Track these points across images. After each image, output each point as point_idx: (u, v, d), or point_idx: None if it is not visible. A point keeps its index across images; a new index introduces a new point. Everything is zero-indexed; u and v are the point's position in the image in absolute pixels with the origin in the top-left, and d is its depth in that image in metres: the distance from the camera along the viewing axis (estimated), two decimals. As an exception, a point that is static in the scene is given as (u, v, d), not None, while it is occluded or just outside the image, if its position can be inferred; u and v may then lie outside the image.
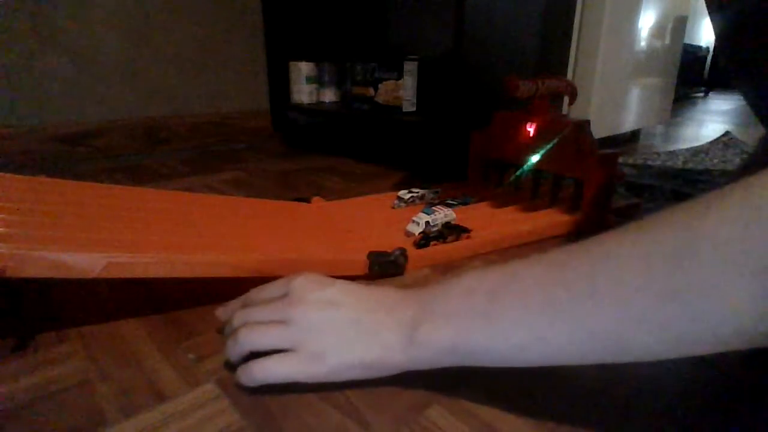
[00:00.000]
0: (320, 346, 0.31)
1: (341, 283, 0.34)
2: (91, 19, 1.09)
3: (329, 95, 1.37)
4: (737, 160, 1.14)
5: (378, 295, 0.33)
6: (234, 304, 0.38)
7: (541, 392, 0.33)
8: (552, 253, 0.27)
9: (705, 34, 3.58)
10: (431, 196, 0.76)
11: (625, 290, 0.22)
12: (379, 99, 1.16)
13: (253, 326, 0.33)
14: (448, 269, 0.54)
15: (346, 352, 0.31)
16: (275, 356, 0.32)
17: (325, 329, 0.32)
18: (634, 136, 1.52)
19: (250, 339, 0.33)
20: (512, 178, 0.80)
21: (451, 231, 0.58)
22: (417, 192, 0.74)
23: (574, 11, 1.11)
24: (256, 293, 0.37)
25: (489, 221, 0.66)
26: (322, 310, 0.32)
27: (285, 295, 0.34)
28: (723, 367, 0.37)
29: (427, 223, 0.59)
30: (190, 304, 0.45)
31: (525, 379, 0.35)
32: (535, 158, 0.72)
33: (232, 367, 0.34)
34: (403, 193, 0.73)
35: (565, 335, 0.25)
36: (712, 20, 0.41)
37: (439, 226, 0.59)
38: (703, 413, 0.32)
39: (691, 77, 3.56)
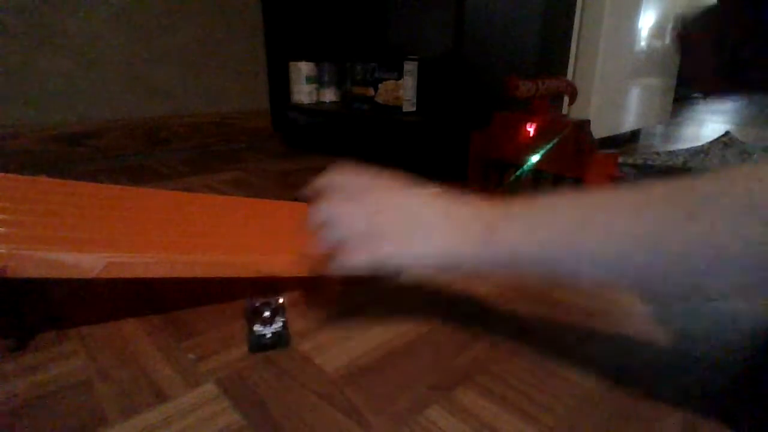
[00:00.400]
0: (408, 234, 0.32)
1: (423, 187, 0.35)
2: (92, 19, 1.09)
3: (329, 95, 1.37)
4: (737, 160, 1.14)
5: (463, 198, 0.35)
6: (314, 188, 0.37)
7: (541, 392, 0.33)
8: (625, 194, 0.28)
9: (705, 34, 3.57)
10: None
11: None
12: (379, 99, 1.16)
13: (341, 218, 0.34)
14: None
15: (431, 239, 0.32)
16: (365, 244, 0.33)
17: (414, 220, 0.33)
18: (634, 136, 1.52)
19: (339, 230, 0.34)
20: (512, 178, 0.80)
21: None
22: None
23: (574, 11, 1.11)
24: (338, 180, 0.37)
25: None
26: (413, 204, 0.34)
27: (370, 188, 0.35)
28: (724, 367, 0.37)
29: None
30: (190, 304, 0.45)
31: (525, 379, 0.35)
32: (535, 158, 0.72)
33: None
34: None
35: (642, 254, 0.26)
36: None
37: None
38: (702, 413, 0.32)
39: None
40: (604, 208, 0.28)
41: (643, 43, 1.28)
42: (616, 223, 0.27)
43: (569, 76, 1.15)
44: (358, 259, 0.33)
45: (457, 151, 0.90)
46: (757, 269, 0.23)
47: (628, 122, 1.35)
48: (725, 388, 0.34)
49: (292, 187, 0.92)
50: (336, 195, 0.36)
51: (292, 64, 1.33)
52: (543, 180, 0.77)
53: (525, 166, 0.75)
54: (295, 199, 0.73)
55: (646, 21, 1.26)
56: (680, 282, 0.26)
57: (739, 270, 0.24)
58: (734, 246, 0.23)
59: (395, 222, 0.33)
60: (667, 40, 1.42)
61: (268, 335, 0.38)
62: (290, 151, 1.31)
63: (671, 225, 0.25)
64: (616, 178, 0.66)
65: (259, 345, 0.38)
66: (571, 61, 1.14)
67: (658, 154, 1.16)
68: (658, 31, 1.35)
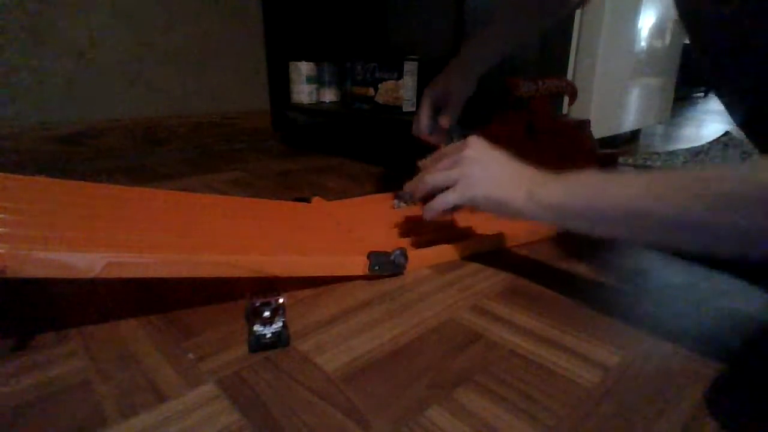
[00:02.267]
0: (478, 182, 0.47)
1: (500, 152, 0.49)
2: (92, 19, 1.09)
3: (329, 95, 1.37)
4: (737, 160, 1.14)
5: (522, 164, 0.48)
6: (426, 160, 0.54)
7: (541, 392, 0.33)
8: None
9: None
10: None
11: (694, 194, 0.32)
12: (379, 99, 1.16)
13: (433, 171, 0.50)
14: (448, 269, 0.54)
15: (493, 189, 0.46)
16: (448, 190, 0.48)
17: (484, 174, 0.47)
18: (634, 136, 1.52)
19: (431, 179, 0.50)
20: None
21: None
22: None
23: (574, 13, 1.11)
24: (443, 151, 0.52)
25: (489, 221, 0.66)
26: (486, 161, 0.48)
27: (460, 151, 0.49)
28: (724, 367, 0.37)
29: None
30: (190, 304, 0.45)
31: (525, 379, 0.35)
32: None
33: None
34: (403, 193, 0.73)
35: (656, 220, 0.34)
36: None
37: None
38: (703, 413, 0.32)
39: (691, 77, 3.55)
40: (620, 178, 0.39)
41: (643, 43, 1.28)
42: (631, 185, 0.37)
43: (569, 76, 1.15)
44: (454, 196, 0.48)
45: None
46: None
47: (628, 122, 1.35)
48: (726, 388, 0.34)
49: (292, 187, 0.92)
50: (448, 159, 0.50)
51: (292, 64, 1.33)
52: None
53: None
54: (295, 199, 0.73)
55: (646, 21, 1.26)
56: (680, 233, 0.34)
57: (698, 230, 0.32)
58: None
59: (481, 176, 0.47)
60: (667, 40, 1.42)
61: (268, 335, 0.38)
62: (290, 151, 1.31)
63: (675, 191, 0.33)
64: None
65: (259, 345, 0.38)
66: (571, 61, 1.15)
67: (658, 154, 1.16)
68: (658, 31, 1.35)
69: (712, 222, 0.31)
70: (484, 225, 0.64)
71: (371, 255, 0.50)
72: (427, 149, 0.57)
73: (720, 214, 0.30)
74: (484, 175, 0.47)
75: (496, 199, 0.45)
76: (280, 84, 1.38)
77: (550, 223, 0.45)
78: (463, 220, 0.67)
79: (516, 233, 0.62)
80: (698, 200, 0.32)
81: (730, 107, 0.48)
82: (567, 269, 0.55)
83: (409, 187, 0.53)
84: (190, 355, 0.37)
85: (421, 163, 0.55)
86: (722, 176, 0.32)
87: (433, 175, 0.50)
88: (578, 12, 1.11)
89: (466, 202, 0.47)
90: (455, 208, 0.49)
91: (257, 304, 0.39)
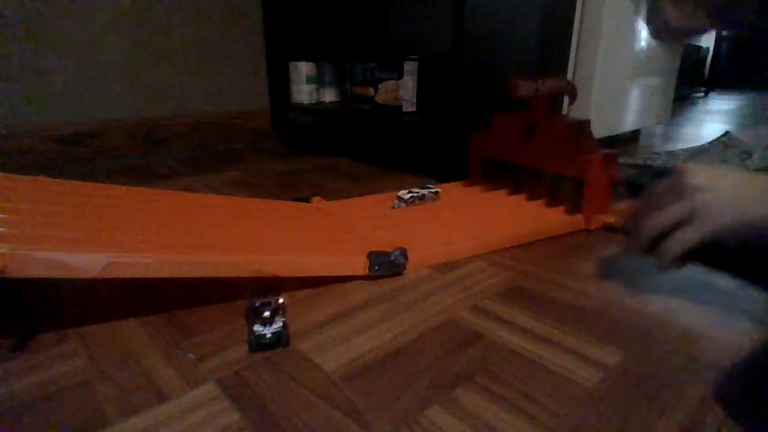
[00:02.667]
0: (718, 209, 0.39)
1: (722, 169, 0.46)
2: (91, 19, 1.09)
3: (329, 95, 1.37)
4: (737, 160, 1.14)
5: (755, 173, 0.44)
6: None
7: (541, 392, 0.33)
8: None
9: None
10: (431, 195, 0.76)
11: None
12: (379, 99, 1.16)
13: (654, 214, 0.42)
14: (448, 269, 0.54)
15: (741, 211, 0.39)
16: (681, 230, 0.40)
17: (720, 198, 0.40)
18: (634, 136, 1.52)
19: (653, 222, 0.42)
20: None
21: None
22: (417, 192, 0.74)
23: (574, 11, 1.11)
24: (654, 191, 0.45)
25: (489, 222, 0.66)
26: (715, 184, 0.40)
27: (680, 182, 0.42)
28: (725, 367, 0.37)
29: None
30: (190, 304, 0.45)
31: (525, 379, 0.35)
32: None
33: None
34: (403, 193, 0.73)
35: None
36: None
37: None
38: (703, 413, 0.32)
39: (691, 77, 3.55)
40: None
41: (643, 43, 1.28)
42: None
43: (569, 76, 1.15)
44: (692, 233, 0.40)
45: (457, 151, 0.90)
46: None
47: (628, 122, 1.35)
48: (726, 389, 0.34)
49: (292, 187, 0.92)
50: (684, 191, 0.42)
51: (292, 64, 1.33)
52: (543, 180, 0.77)
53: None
54: (295, 199, 0.73)
55: (646, 21, 1.26)
56: None
57: None
58: None
59: (718, 202, 0.40)
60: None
61: (268, 335, 0.38)
62: (290, 151, 1.31)
63: None
64: (616, 178, 0.66)
65: (259, 345, 0.38)
66: (571, 61, 1.14)
67: (658, 154, 1.16)
68: (658, 31, 1.34)
69: None
70: (484, 225, 0.64)
71: (371, 255, 0.50)
72: None
73: None
74: (720, 200, 0.40)
75: (749, 221, 0.39)
76: (280, 84, 1.38)
77: None
78: (463, 220, 0.67)
79: (516, 233, 0.62)
80: None
81: None
82: (567, 269, 0.55)
83: (629, 242, 0.46)
84: (190, 355, 0.37)
85: (634, 212, 0.47)
86: None
87: (655, 217, 0.42)
88: (578, 12, 1.11)
89: (709, 236, 0.40)
90: (692, 252, 0.41)
91: (257, 304, 0.39)
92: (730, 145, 1.31)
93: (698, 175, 0.41)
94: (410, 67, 1.08)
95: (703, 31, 0.45)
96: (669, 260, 0.41)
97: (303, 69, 1.31)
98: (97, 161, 1.13)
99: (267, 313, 0.38)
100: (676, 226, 0.41)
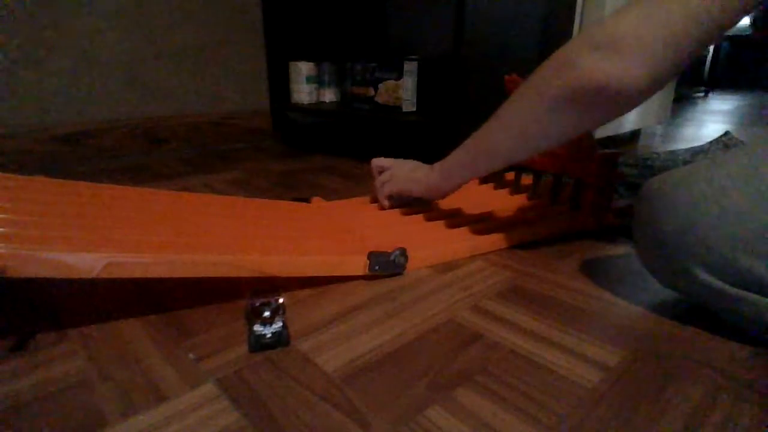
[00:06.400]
0: (399, 178, 0.69)
1: (411, 163, 0.70)
2: (92, 19, 1.09)
3: (329, 95, 1.37)
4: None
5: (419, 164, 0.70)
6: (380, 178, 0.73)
7: (541, 392, 0.33)
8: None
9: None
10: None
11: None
12: (379, 99, 1.16)
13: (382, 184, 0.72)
14: (448, 269, 0.54)
15: (410, 179, 0.68)
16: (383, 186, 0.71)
17: (401, 173, 0.69)
18: (634, 136, 1.52)
19: (383, 189, 0.71)
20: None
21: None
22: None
23: (574, 11, 1.11)
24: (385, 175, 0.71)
25: (489, 222, 0.66)
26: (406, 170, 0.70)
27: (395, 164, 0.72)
28: (723, 366, 0.37)
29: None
30: (190, 304, 0.45)
31: (525, 379, 0.35)
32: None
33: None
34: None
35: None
36: None
37: None
38: (703, 413, 0.32)
39: (691, 77, 3.55)
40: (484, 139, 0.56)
41: (643, 43, 1.28)
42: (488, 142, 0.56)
43: (569, 76, 1.15)
44: (389, 191, 0.70)
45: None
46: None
47: (628, 122, 1.35)
48: (726, 389, 0.34)
49: (292, 187, 0.92)
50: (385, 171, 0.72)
51: (292, 64, 1.33)
52: (543, 180, 0.77)
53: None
54: (295, 199, 0.73)
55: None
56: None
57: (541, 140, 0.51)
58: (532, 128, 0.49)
59: (400, 178, 0.69)
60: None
61: (268, 335, 0.38)
62: (290, 151, 1.31)
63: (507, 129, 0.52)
64: (616, 177, 0.66)
65: (259, 345, 0.38)
66: (571, 61, 1.14)
67: (658, 154, 1.16)
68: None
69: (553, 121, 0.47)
70: (484, 225, 0.64)
71: (371, 255, 0.50)
72: None
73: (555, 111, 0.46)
74: (397, 176, 0.69)
75: (406, 190, 0.68)
76: (280, 84, 1.38)
77: (445, 188, 0.64)
78: (462, 220, 0.67)
79: (516, 233, 0.62)
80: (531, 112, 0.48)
81: None
82: (567, 269, 0.55)
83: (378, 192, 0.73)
84: (190, 355, 0.37)
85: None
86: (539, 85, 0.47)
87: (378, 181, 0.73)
88: (578, 11, 1.11)
89: (395, 191, 0.69)
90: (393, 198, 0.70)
91: (257, 304, 0.39)
92: (730, 145, 1.31)
93: (388, 162, 0.71)
94: (410, 67, 1.08)
95: None
96: (382, 204, 0.71)
97: (303, 69, 1.31)
98: (97, 161, 1.13)
99: (267, 313, 0.38)
100: (384, 185, 0.70)
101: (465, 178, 0.61)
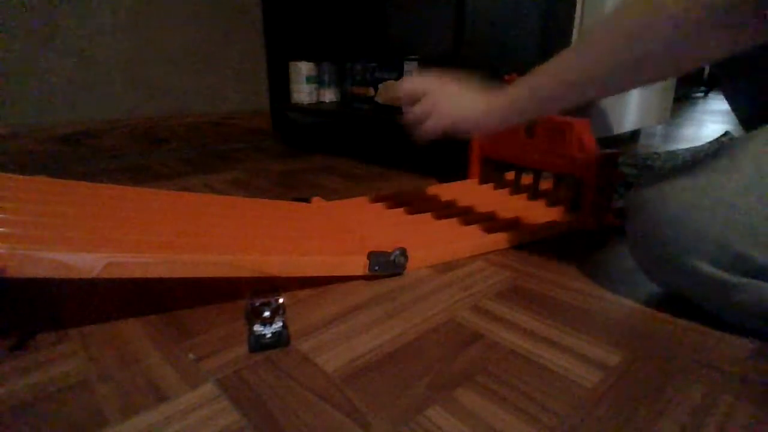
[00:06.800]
0: (445, 109, 0.55)
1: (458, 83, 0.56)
2: (92, 19, 1.09)
3: (329, 95, 1.37)
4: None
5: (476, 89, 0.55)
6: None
7: (541, 392, 0.33)
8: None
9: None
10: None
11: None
12: (379, 99, 1.16)
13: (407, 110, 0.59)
14: (448, 269, 0.54)
15: (462, 108, 0.54)
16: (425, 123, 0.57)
17: (446, 101, 0.55)
18: (634, 136, 1.51)
19: (407, 117, 0.58)
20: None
21: None
22: None
23: (574, 11, 1.11)
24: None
25: (489, 222, 0.66)
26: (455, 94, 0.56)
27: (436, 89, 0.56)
28: (724, 367, 0.37)
29: None
30: (190, 304, 0.45)
31: (525, 379, 0.35)
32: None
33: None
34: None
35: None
36: None
37: None
38: (703, 413, 0.32)
39: (691, 77, 3.55)
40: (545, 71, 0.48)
41: (643, 43, 1.28)
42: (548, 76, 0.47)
43: (569, 76, 1.15)
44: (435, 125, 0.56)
45: (457, 151, 0.90)
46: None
47: (628, 122, 1.35)
48: (726, 389, 0.34)
49: (292, 187, 0.92)
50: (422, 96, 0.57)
51: (292, 64, 1.33)
52: (543, 180, 0.77)
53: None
54: (295, 199, 0.73)
55: (646, 21, 1.26)
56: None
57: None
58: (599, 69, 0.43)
59: (447, 109, 0.55)
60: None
61: (268, 335, 0.38)
62: (290, 151, 1.31)
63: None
64: (616, 177, 0.66)
65: (259, 345, 0.38)
66: (571, 61, 1.14)
67: (658, 154, 1.16)
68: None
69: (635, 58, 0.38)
70: (484, 225, 0.64)
71: (371, 255, 0.50)
72: None
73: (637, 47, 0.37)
74: (443, 104, 0.55)
75: (463, 118, 0.54)
76: (280, 84, 1.38)
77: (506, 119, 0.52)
78: (462, 220, 0.67)
79: (516, 233, 0.62)
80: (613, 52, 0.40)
81: (737, 100, 0.48)
82: (567, 269, 0.55)
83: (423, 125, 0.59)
84: (190, 355, 0.37)
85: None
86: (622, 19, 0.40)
87: (408, 113, 0.59)
88: (578, 11, 1.11)
89: (441, 128, 0.56)
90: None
91: (257, 304, 0.39)
92: (730, 145, 1.30)
93: (426, 84, 0.56)
94: (410, 67, 1.08)
95: None
96: (422, 140, 0.59)
97: (303, 69, 1.31)
98: (97, 161, 1.13)
99: (267, 313, 0.38)
100: (421, 120, 0.56)
101: (533, 113, 0.52)
